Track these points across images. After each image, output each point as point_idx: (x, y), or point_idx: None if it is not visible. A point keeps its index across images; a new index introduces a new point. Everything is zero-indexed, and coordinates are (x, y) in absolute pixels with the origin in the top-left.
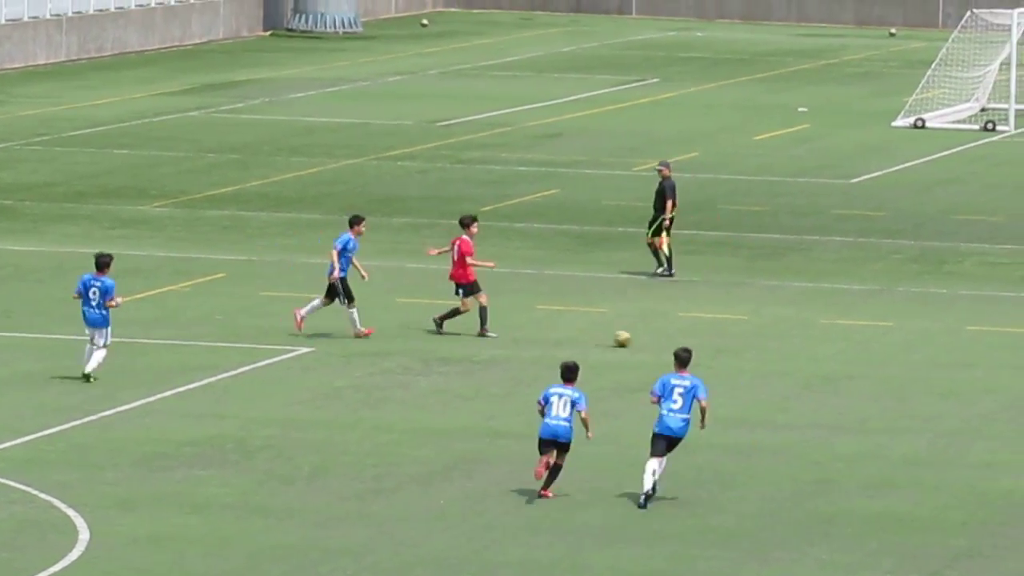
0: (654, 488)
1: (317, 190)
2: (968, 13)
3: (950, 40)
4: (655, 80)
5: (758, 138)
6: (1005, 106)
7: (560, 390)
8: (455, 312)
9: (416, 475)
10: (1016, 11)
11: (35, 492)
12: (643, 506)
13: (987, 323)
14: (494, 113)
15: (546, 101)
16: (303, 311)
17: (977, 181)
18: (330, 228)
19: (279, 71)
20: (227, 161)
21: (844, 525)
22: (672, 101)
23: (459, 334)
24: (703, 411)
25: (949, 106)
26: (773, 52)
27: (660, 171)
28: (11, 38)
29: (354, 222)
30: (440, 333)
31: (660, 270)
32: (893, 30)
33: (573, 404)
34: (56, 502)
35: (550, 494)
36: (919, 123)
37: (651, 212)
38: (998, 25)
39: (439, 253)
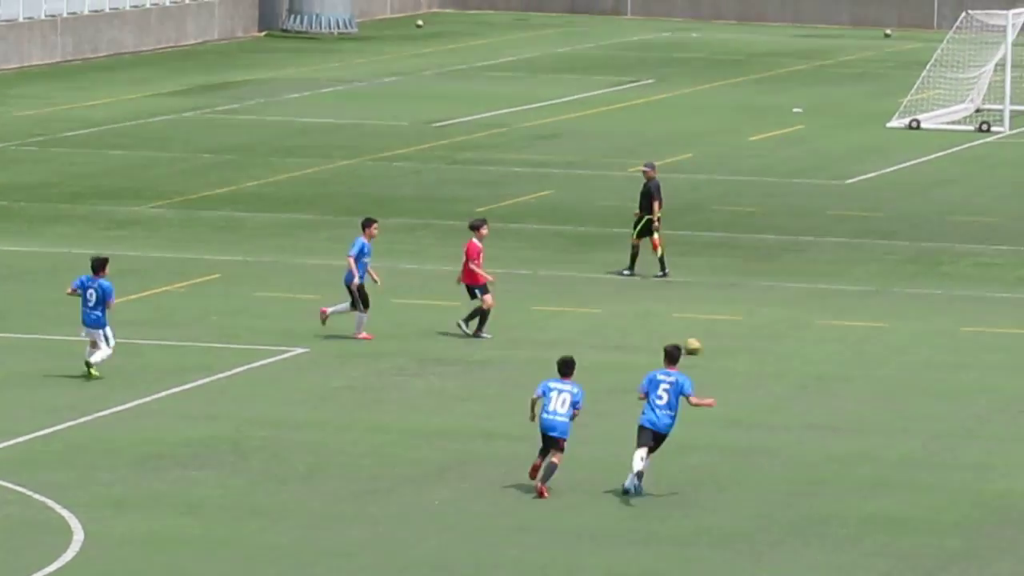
0: (639, 476)
1: (312, 191)
2: (963, 14)
3: (945, 41)
4: (650, 81)
5: (753, 139)
6: (1000, 107)
7: (559, 385)
8: (479, 312)
9: (411, 476)
10: (1011, 12)
11: (30, 493)
12: (627, 491)
13: (982, 324)
14: (489, 114)
15: (541, 102)
16: (330, 309)
17: (972, 182)
18: (326, 229)
19: (274, 72)
20: (222, 162)
21: (838, 526)
22: (667, 102)
23: (454, 335)
24: (697, 406)
25: (944, 107)
26: (768, 53)
27: (645, 172)
28: (6, 39)
29: (366, 225)
30: (479, 336)
31: (627, 272)
32: (888, 31)
33: (574, 404)
34: (51, 503)
35: (547, 494)
36: (914, 124)
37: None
38: (993, 26)
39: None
